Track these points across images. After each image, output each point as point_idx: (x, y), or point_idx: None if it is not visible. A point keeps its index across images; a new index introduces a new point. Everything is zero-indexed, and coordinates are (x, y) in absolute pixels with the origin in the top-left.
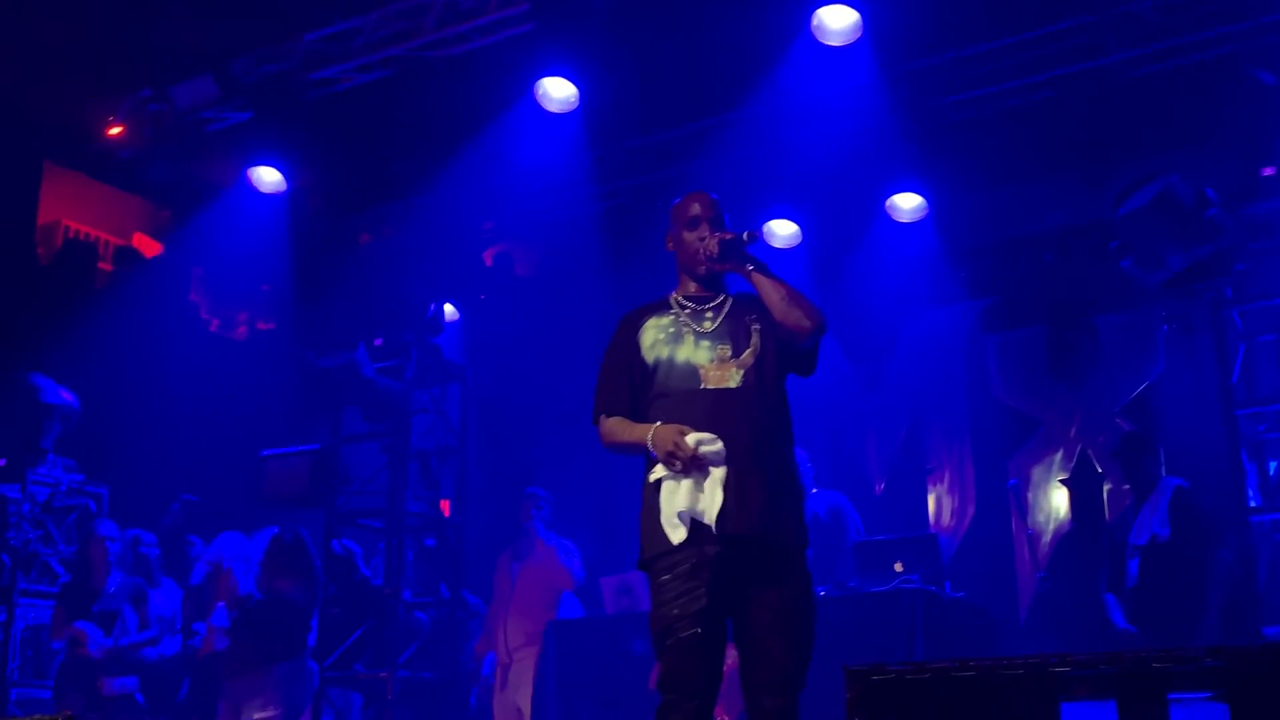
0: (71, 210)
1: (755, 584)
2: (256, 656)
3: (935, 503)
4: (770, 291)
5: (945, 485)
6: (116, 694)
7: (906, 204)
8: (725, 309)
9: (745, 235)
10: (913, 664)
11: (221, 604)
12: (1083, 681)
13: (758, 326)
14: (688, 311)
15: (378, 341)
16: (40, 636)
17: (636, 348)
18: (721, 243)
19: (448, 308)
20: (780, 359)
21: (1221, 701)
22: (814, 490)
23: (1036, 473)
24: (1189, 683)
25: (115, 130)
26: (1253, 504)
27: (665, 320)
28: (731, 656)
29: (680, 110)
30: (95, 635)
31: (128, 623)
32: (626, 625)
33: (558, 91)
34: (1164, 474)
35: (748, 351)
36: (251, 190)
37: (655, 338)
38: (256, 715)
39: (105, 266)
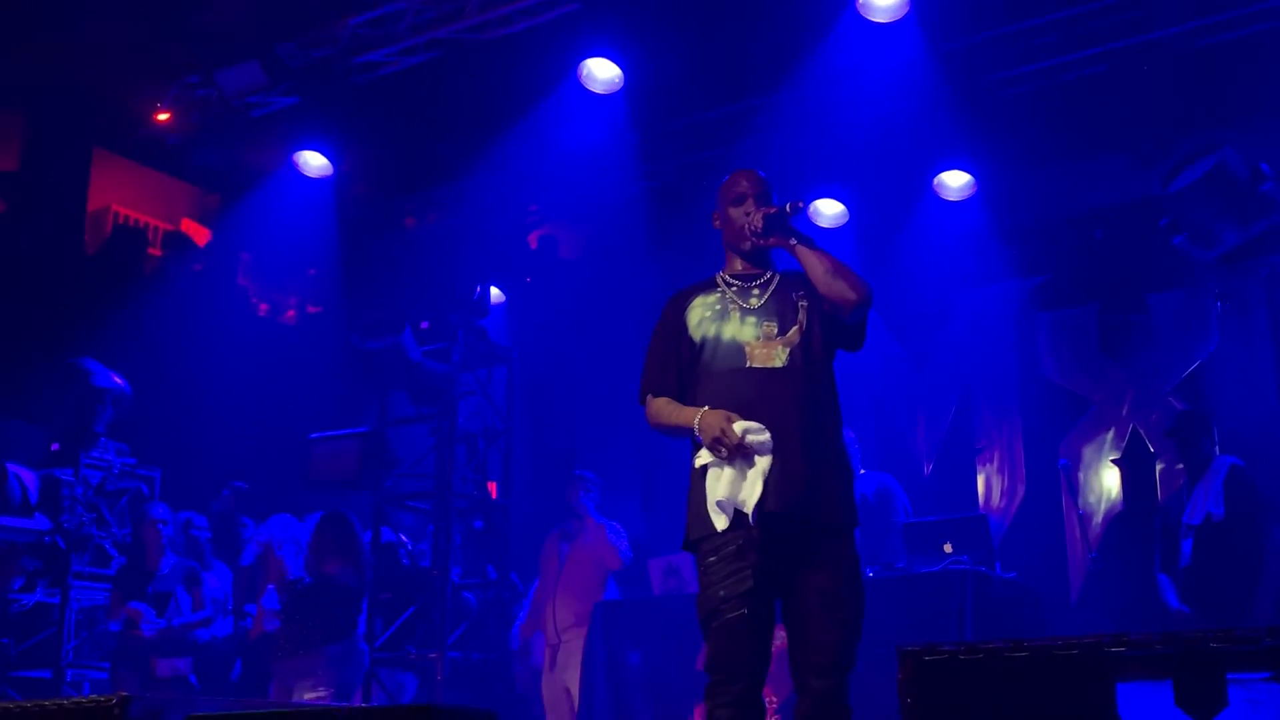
0: (121, 196)
1: (802, 566)
2: (307, 638)
3: (985, 483)
4: (814, 264)
5: (995, 465)
6: (170, 675)
7: (955, 182)
8: (773, 286)
9: (788, 207)
10: (966, 645)
11: (272, 586)
12: (1139, 662)
13: (805, 303)
14: (734, 289)
15: (424, 324)
16: (95, 617)
17: (684, 327)
18: (765, 216)
19: (493, 290)
20: (827, 335)
21: None
22: (862, 471)
23: (1088, 452)
24: (1248, 663)
25: (163, 116)
26: None
27: (712, 298)
28: (780, 637)
29: (725, 89)
30: (149, 615)
31: (181, 604)
32: (674, 606)
33: (602, 72)
34: (1218, 453)
35: (794, 329)
36: (298, 175)
37: (702, 315)
38: (308, 695)
39: (155, 252)
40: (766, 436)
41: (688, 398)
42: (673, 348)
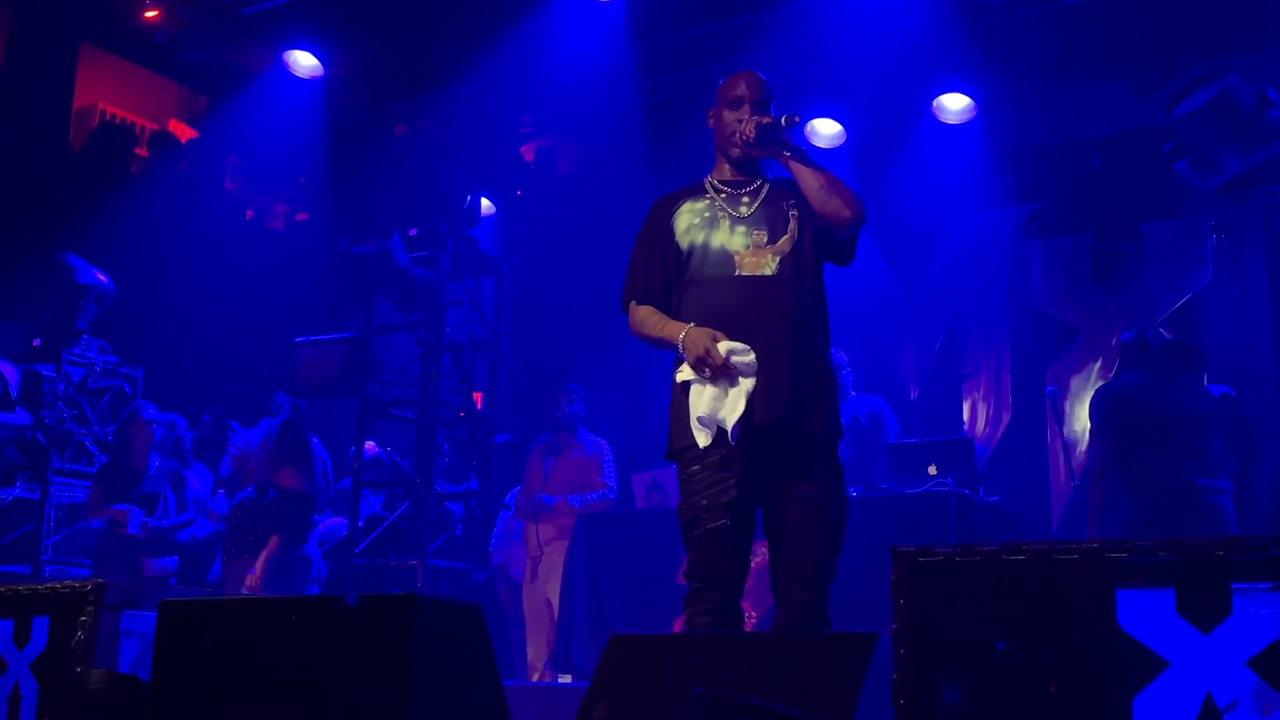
0: (108, 94)
1: (786, 476)
2: (253, 544)
3: (970, 409)
4: (809, 179)
5: (981, 392)
6: (158, 574)
7: (954, 105)
8: (763, 194)
9: (784, 120)
10: (962, 546)
11: (220, 493)
12: (1141, 568)
13: (795, 213)
14: (724, 196)
15: (412, 232)
16: (75, 514)
17: (670, 233)
18: (759, 127)
19: (484, 202)
20: (817, 247)
21: None
22: (853, 394)
23: (1075, 382)
24: (1254, 572)
25: (152, 13)
26: None
27: (700, 205)
28: (760, 553)
29: (725, 2)
30: (139, 516)
31: (169, 505)
32: (657, 520)
33: None
34: (1208, 382)
35: (785, 238)
36: (287, 75)
37: (690, 222)
38: None
39: (141, 152)
40: (752, 358)
41: (673, 305)
42: (658, 254)
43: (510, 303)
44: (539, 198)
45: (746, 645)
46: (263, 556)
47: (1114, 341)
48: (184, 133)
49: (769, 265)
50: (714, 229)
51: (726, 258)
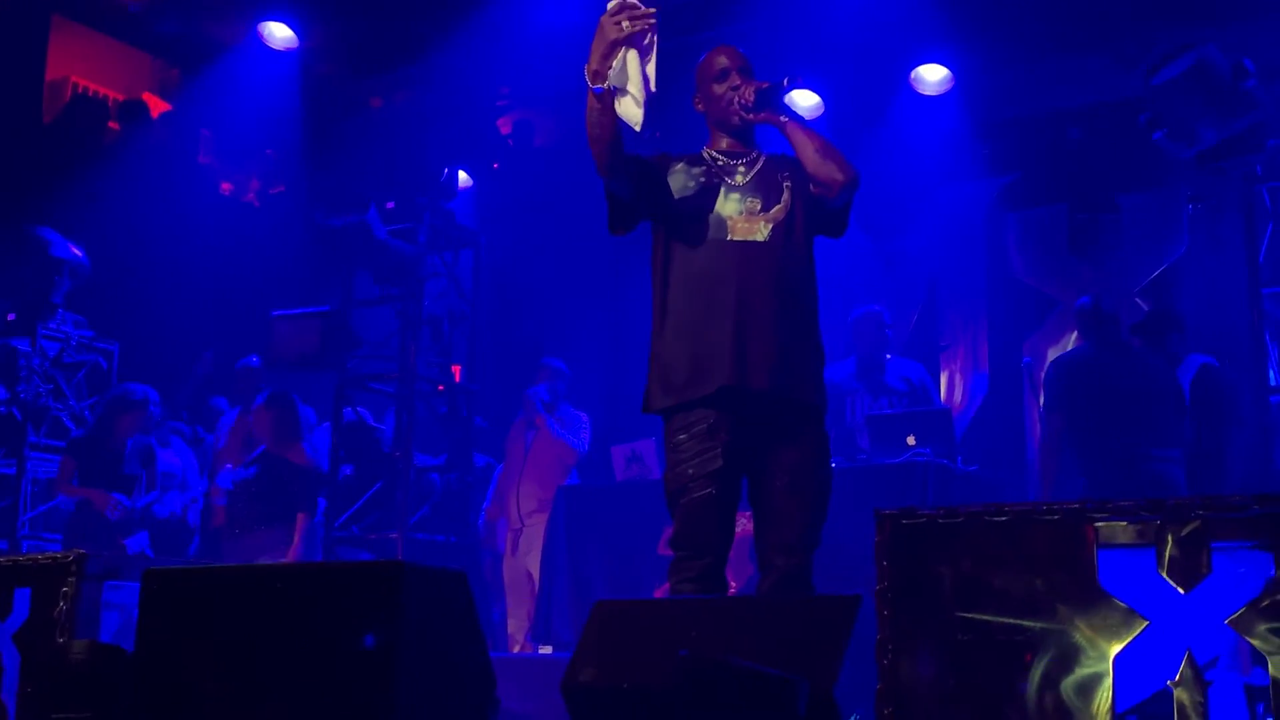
0: (80, 67)
1: (772, 445)
2: (262, 516)
3: (948, 380)
4: (804, 142)
5: (959, 363)
6: (136, 551)
7: (932, 76)
8: (759, 165)
9: (785, 81)
10: (945, 508)
11: (227, 467)
12: (1121, 528)
13: (789, 184)
14: (720, 164)
15: (389, 204)
16: (52, 490)
17: (664, 167)
18: (758, 91)
19: (461, 175)
20: (810, 219)
21: (1266, 550)
22: (889, 356)
23: (1051, 352)
24: (1233, 530)
25: None
26: (1273, 384)
27: (697, 170)
28: (741, 525)
29: None
30: (123, 503)
31: (142, 484)
32: (636, 492)
33: None
34: (1188, 352)
35: (778, 207)
36: (262, 47)
37: (685, 183)
38: None
39: (114, 126)
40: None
41: (662, 268)
42: (648, 160)
43: (489, 275)
44: (516, 171)
45: (731, 609)
46: (298, 534)
47: None
48: (157, 105)
49: (761, 232)
50: (708, 194)
51: (719, 222)
